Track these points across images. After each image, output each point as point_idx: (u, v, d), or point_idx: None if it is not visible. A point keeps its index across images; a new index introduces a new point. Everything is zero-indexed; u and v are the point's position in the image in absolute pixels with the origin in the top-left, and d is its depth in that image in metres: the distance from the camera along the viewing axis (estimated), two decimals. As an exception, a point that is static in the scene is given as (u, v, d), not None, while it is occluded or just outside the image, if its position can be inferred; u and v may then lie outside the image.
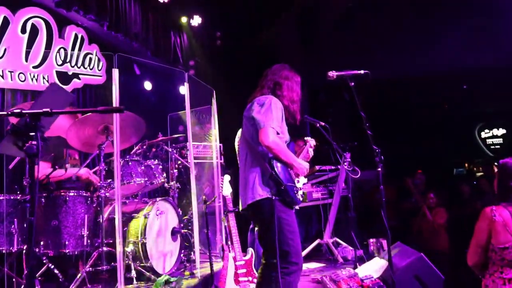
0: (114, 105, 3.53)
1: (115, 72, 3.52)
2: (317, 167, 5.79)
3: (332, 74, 3.07)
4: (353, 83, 3.12)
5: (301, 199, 3.04)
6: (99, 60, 5.84)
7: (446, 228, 6.35)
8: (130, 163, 4.21)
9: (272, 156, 2.83)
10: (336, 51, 7.43)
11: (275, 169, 2.80)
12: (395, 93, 8.56)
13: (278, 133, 2.84)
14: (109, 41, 6.02)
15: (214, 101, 4.95)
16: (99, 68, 5.79)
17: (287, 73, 3.09)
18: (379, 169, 3.15)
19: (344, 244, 5.52)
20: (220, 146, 6.15)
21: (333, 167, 5.84)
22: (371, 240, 5.57)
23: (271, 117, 2.80)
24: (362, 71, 3.11)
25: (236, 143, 4.34)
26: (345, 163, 5.22)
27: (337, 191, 5.68)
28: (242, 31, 7.85)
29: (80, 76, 5.60)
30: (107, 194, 3.95)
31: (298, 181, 3.05)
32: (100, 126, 3.98)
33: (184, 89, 4.36)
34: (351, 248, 5.37)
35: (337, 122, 9.34)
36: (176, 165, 5.27)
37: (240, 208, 2.97)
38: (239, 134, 3.51)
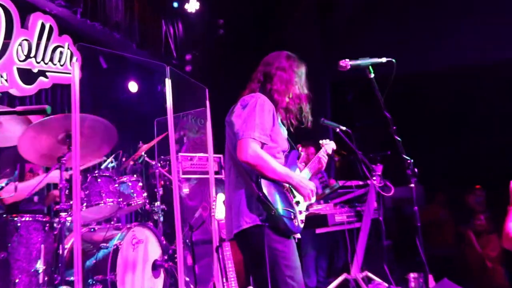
0: (74, 108, 3.37)
1: (75, 67, 3.36)
2: (340, 183, 5.59)
3: (345, 63, 2.94)
4: (372, 75, 2.94)
5: (301, 226, 2.86)
6: (72, 54, 5.75)
7: (502, 261, 6.03)
8: (99, 180, 4.12)
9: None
10: (365, 41, 7.39)
11: (264, 189, 2.65)
12: (434, 88, 8.37)
13: (264, 144, 2.71)
14: (85, 31, 5.97)
15: (207, 102, 4.79)
16: (77, 63, 5.69)
17: (283, 62, 2.93)
18: (412, 184, 3.09)
19: (377, 279, 5.40)
20: (219, 158, 6.04)
21: (361, 183, 5.72)
22: (412, 274, 5.39)
23: (253, 124, 2.67)
24: (383, 59, 2.98)
25: None
26: (375, 178, 5.05)
27: (366, 212, 5.57)
28: (251, 18, 7.74)
29: (47, 74, 5.52)
30: (69, 219, 3.78)
31: (298, 203, 2.88)
32: (61, 134, 3.84)
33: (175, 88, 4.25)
34: (386, 284, 5.26)
35: (367, 126, 9.28)
36: (162, 182, 5.14)
37: (227, 237, 2.85)
38: None
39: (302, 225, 2.84)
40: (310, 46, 7.86)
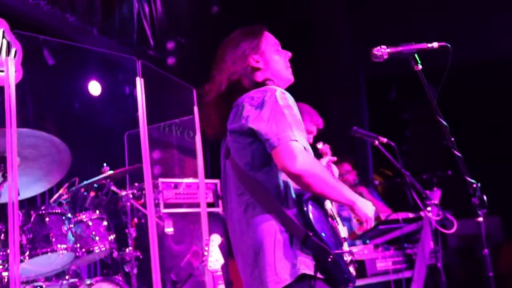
0: (8, 120, 3.39)
1: (10, 63, 3.38)
2: (382, 216, 5.57)
3: (381, 51, 2.91)
4: (420, 66, 2.94)
5: (354, 273, 2.81)
6: (9, 45, 5.77)
7: None
8: (47, 219, 4.13)
9: (303, 197, 2.64)
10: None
11: (312, 222, 2.59)
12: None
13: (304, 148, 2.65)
14: (26, 14, 6.02)
15: (195, 108, 4.81)
16: (12, 58, 5.73)
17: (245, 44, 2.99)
18: (480, 218, 3.02)
19: None
20: (214, 185, 6.03)
21: (411, 215, 5.67)
22: None
23: (286, 123, 2.62)
24: (435, 44, 2.95)
25: None
26: (431, 208, 5.05)
27: (420, 257, 5.56)
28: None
29: (-24, 72, 5.54)
30: (5, 274, 3.81)
31: (345, 239, 2.85)
32: (-8, 156, 3.85)
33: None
34: None
35: (421, 137, 9.32)
36: (136, 220, 5.12)
37: None
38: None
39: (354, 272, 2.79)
40: (337, 35, 7.94)
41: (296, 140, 2.57)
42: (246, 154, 2.73)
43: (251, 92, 2.78)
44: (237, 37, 3.05)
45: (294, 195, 2.65)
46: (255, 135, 2.67)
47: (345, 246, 2.78)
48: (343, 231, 2.83)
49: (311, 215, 2.59)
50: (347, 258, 2.68)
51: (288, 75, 3.01)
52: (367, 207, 2.70)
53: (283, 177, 2.66)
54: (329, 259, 2.54)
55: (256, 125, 2.65)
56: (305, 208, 2.60)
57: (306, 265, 2.56)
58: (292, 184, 2.67)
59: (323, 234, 2.58)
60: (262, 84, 2.87)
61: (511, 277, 7.24)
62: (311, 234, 2.54)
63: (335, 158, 3.93)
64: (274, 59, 2.97)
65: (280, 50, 3.03)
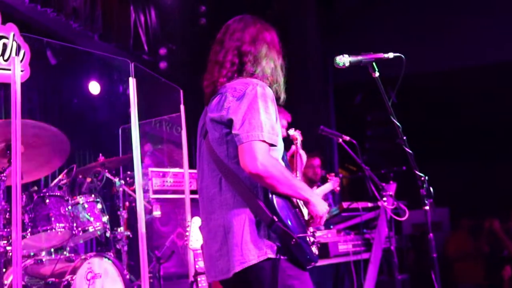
0: (14, 112, 3.36)
1: (16, 62, 3.35)
2: (344, 205, 5.60)
3: (343, 59, 2.90)
4: (377, 74, 2.95)
5: (317, 252, 2.78)
6: (19, 47, 5.73)
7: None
8: (47, 201, 4.07)
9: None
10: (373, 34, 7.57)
11: (278, 210, 2.52)
12: (457, 89, 8.54)
13: (273, 145, 2.55)
14: (35, 20, 5.98)
15: (182, 106, 4.80)
16: (21, 59, 5.68)
17: (263, 32, 2.78)
18: (427, 207, 2.99)
19: (388, 322, 5.35)
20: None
21: (369, 205, 5.71)
22: (431, 316, 5.37)
23: (259, 121, 2.50)
24: (390, 54, 2.95)
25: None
26: (386, 199, 5.07)
27: (377, 241, 5.61)
28: (239, 5, 7.77)
29: (-12, 71, 5.49)
30: (9, 248, 3.74)
31: (307, 223, 2.78)
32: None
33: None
34: (399, 328, 5.28)
35: (381, 137, 9.35)
36: (127, 203, 5.10)
37: (212, 278, 2.70)
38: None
39: (317, 252, 2.74)
40: (310, 42, 7.92)
41: (263, 140, 2.48)
42: (222, 143, 2.62)
43: (234, 83, 2.64)
44: (264, 26, 2.84)
45: (261, 185, 2.56)
46: (232, 127, 2.56)
47: (309, 229, 2.73)
48: (306, 213, 2.75)
49: (275, 203, 2.52)
50: (310, 239, 2.65)
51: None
52: (320, 205, 2.66)
53: None
54: (292, 242, 2.49)
55: (233, 116, 2.53)
56: (270, 196, 2.52)
57: (272, 250, 2.51)
58: None
59: (287, 220, 2.52)
60: (251, 75, 2.71)
61: (456, 260, 7.31)
62: (276, 219, 2.48)
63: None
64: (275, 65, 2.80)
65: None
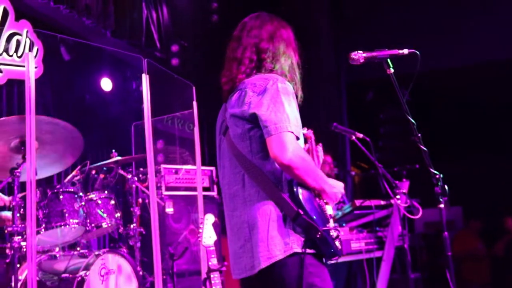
0: (28, 108, 3.38)
1: (30, 58, 3.37)
2: (357, 203, 5.58)
3: (357, 55, 2.89)
4: (391, 70, 2.94)
5: (340, 246, 2.74)
6: (32, 43, 5.76)
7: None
8: (61, 197, 4.09)
9: (293, 180, 2.55)
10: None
11: (303, 204, 2.52)
12: (471, 86, 8.50)
13: (298, 138, 2.58)
14: (47, 16, 5.99)
15: (194, 103, 4.80)
16: (34, 56, 5.70)
17: (280, 29, 2.80)
18: (442, 205, 2.98)
19: (401, 321, 5.33)
20: (211, 171, 6.05)
21: (382, 203, 5.69)
22: (443, 314, 5.37)
23: (284, 114, 2.52)
24: (405, 50, 2.94)
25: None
26: (400, 197, 5.05)
27: (389, 239, 5.55)
28: (251, 2, 7.77)
29: (1, 67, 5.52)
30: (23, 243, 3.77)
31: (331, 216, 2.76)
32: (14, 140, 3.86)
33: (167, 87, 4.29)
34: (413, 327, 5.26)
35: (394, 135, 9.33)
36: (140, 200, 5.12)
37: (237, 275, 2.71)
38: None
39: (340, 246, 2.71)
40: (322, 39, 7.92)
41: (292, 132, 2.50)
42: (245, 139, 2.63)
43: (254, 79, 2.66)
44: (281, 23, 2.86)
45: (286, 178, 2.57)
46: (255, 121, 2.58)
47: (331, 223, 2.71)
48: (329, 209, 2.76)
49: (301, 196, 2.52)
50: (333, 233, 2.63)
51: None
52: (333, 193, 2.66)
53: None
54: (318, 236, 2.49)
55: (257, 110, 2.55)
56: (295, 190, 2.52)
57: (298, 244, 2.51)
58: None
59: (312, 213, 2.53)
60: (269, 71, 2.72)
61: (464, 260, 7.32)
62: (302, 212, 2.48)
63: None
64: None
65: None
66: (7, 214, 4.09)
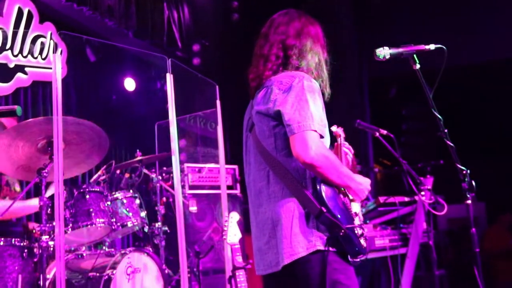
0: (55, 109, 3.41)
1: (57, 60, 3.40)
2: (381, 199, 5.56)
3: (383, 52, 2.91)
4: (417, 66, 2.93)
5: (365, 245, 2.74)
6: (56, 45, 5.81)
7: None
8: (87, 196, 4.11)
9: (317, 178, 2.55)
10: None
11: (326, 201, 2.52)
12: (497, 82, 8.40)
13: (322, 137, 2.57)
14: (71, 18, 6.05)
15: (218, 102, 4.80)
16: (59, 55, 5.75)
17: (308, 26, 2.80)
18: (469, 201, 3.00)
19: (426, 318, 5.33)
20: (233, 170, 6.06)
21: (406, 199, 5.67)
22: (470, 312, 5.33)
23: (308, 112, 2.52)
24: (432, 46, 2.93)
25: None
26: (424, 193, 5.03)
27: (414, 235, 5.53)
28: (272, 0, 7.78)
29: (26, 69, 5.57)
30: (51, 243, 3.79)
31: (356, 214, 2.76)
32: (41, 141, 3.89)
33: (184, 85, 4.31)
34: (437, 324, 5.23)
35: (416, 131, 9.27)
36: (164, 199, 5.15)
37: (261, 271, 2.72)
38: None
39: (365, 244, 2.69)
40: (345, 35, 7.88)
41: (315, 130, 2.49)
42: (270, 136, 2.64)
43: (280, 76, 2.66)
44: (309, 20, 2.87)
45: (310, 176, 2.57)
46: (279, 119, 2.58)
47: (356, 220, 2.71)
48: (354, 207, 2.76)
49: (324, 194, 2.51)
50: (358, 231, 2.62)
51: None
52: (360, 189, 2.64)
53: None
54: (341, 233, 2.49)
55: (282, 107, 2.55)
56: (318, 187, 2.52)
57: (321, 241, 2.51)
58: None
59: (335, 211, 2.52)
60: (296, 68, 2.71)
61: (494, 257, 7.21)
62: (325, 210, 2.48)
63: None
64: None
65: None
66: (34, 224, 4.14)
